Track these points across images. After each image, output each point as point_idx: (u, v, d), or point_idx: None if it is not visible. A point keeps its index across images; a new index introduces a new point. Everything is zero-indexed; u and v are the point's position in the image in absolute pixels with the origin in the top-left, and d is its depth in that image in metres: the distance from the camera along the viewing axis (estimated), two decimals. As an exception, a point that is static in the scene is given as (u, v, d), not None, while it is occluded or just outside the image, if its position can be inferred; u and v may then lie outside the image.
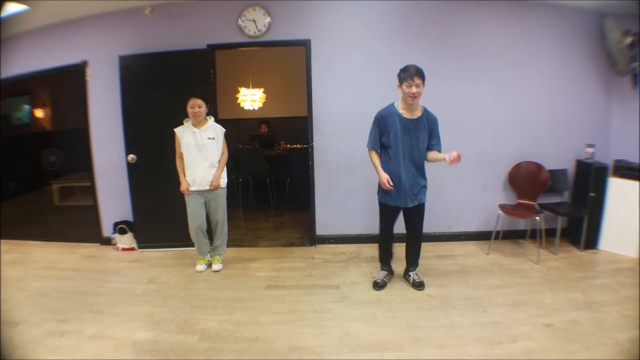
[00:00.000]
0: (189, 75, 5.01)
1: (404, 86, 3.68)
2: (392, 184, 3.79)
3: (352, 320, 3.53)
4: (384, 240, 4.19)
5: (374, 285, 4.09)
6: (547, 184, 4.99)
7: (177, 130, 4.44)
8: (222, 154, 4.53)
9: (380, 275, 4.16)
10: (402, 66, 3.71)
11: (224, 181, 4.57)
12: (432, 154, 3.87)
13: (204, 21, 5.05)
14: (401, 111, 3.80)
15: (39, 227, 6.51)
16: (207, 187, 4.45)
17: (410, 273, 4.17)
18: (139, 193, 5.24)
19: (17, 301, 3.99)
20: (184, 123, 4.45)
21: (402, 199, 3.87)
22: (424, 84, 3.69)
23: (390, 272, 4.26)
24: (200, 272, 4.63)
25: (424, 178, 3.97)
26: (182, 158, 4.47)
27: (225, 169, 4.59)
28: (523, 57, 5.07)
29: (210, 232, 4.73)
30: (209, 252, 4.76)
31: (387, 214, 4.05)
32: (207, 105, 4.42)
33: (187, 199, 4.50)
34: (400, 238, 4.18)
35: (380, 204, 4.04)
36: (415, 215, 4.01)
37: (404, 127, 3.76)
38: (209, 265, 4.72)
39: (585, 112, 5.17)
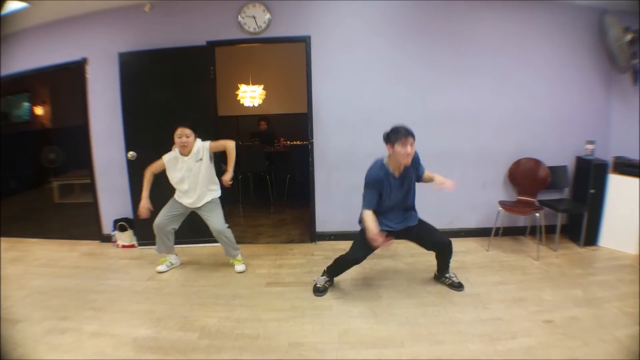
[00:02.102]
0: (189, 72, 5.01)
1: (397, 146, 3.52)
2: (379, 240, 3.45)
3: (352, 316, 3.53)
4: (351, 263, 3.93)
5: (315, 291, 3.98)
6: (547, 181, 4.99)
7: (165, 158, 4.30)
8: (228, 155, 4.31)
9: (321, 280, 4.04)
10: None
11: (215, 193, 4.43)
12: (425, 176, 3.83)
13: (204, 18, 5.04)
14: (392, 171, 3.68)
15: (39, 224, 6.52)
16: (196, 205, 4.34)
17: (450, 273, 4.10)
18: (139, 190, 5.19)
19: (17, 299, 3.99)
20: (173, 150, 4.30)
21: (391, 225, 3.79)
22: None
23: (332, 281, 4.12)
24: (160, 272, 4.54)
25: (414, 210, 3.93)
26: (153, 173, 4.35)
27: (218, 184, 4.45)
28: (523, 53, 5.06)
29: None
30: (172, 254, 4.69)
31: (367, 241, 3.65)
32: (195, 133, 4.24)
33: (171, 201, 4.41)
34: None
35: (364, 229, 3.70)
36: (421, 232, 3.91)
37: (395, 187, 3.68)
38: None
39: (586, 109, 5.17)
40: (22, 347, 3.16)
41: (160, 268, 4.58)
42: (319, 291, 3.98)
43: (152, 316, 3.62)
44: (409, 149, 3.53)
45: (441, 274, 4.12)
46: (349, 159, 5.10)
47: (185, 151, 4.23)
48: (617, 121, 5.16)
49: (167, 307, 3.79)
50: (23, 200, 8.26)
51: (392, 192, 3.69)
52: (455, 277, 4.06)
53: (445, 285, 4.05)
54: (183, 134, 4.15)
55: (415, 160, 3.73)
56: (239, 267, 4.54)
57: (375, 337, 3.22)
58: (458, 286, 3.99)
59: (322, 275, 4.10)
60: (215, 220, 4.41)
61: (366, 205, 3.63)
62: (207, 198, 4.37)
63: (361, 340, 3.18)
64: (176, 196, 4.40)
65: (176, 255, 4.74)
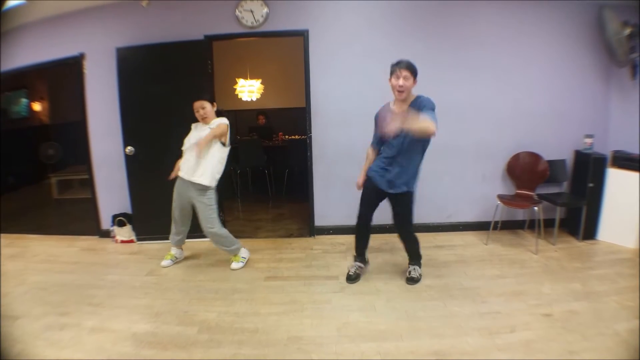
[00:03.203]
0: (187, 67, 4.99)
1: (392, 79, 3.60)
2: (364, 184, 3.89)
3: (351, 310, 3.54)
4: (357, 225, 4.07)
5: (346, 278, 4.07)
6: (545, 175, 4.99)
7: (192, 126, 4.38)
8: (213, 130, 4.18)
9: (352, 267, 4.14)
10: (400, 57, 3.65)
11: (205, 179, 4.21)
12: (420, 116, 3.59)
13: (201, 12, 5.01)
14: (393, 107, 3.73)
15: (38, 220, 6.52)
16: (190, 179, 4.21)
17: (409, 267, 4.10)
18: (138, 185, 5.23)
19: (16, 295, 3.99)
20: None
21: (383, 181, 3.77)
22: (414, 79, 3.56)
23: (364, 262, 4.21)
24: (164, 267, 4.55)
25: (412, 173, 3.75)
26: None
27: (219, 176, 4.33)
28: (522, 47, 5.05)
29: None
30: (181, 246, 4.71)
31: (366, 195, 3.94)
32: (213, 104, 4.27)
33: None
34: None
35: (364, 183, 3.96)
36: (397, 206, 3.87)
37: (389, 118, 3.64)
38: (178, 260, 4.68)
39: (584, 103, 5.16)
40: (22, 343, 3.16)
41: (165, 263, 4.58)
42: (349, 278, 4.06)
43: (151, 311, 3.62)
44: (400, 81, 3.52)
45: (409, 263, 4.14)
46: (348, 153, 5.09)
47: (206, 122, 4.26)
48: (616, 115, 5.15)
49: (166, 302, 3.79)
50: (22, 197, 8.27)
51: (385, 121, 3.62)
52: (414, 271, 4.04)
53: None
54: (199, 107, 4.20)
55: (421, 102, 3.58)
56: (234, 264, 4.50)
57: (375, 331, 3.22)
58: (407, 280, 4.01)
59: (354, 261, 4.19)
60: (201, 219, 4.35)
61: (372, 141, 4.02)
62: (201, 178, 4.19)
63: (360, 334, 3.19)
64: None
65: (181, 250, 4.73)
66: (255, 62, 8.98)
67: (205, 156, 4.20)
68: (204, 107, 4.20)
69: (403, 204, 3.84)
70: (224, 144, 4.28)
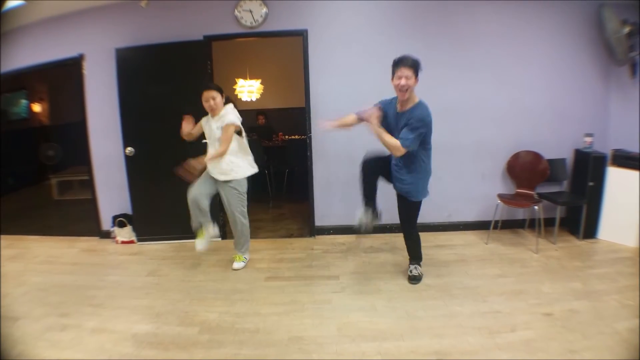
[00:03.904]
0: (186, 67, 4.99)
1: (393, 79, 3.52)
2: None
3: (352, 310, 3.54)
4: (361, 170, 3.82)
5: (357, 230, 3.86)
6: (545, 174, 4.99)
7: (202, 120, 4.32)
8: (221, 144, 4.10)
9: (363, 216, 3.80)
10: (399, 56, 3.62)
11: (239, 172, 4.24)
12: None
13: (201, 12, 5.02)
14: (397, 104, 3.68)
15: (38, 221, 6.51)
16: (217, 178, 4.23)
17: (410, 266, 4.09)
18: (138, 186, 5.24)
19: (17, 296, 3.99)
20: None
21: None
22: (416, 76, 3.49)
23: (375, 213, 3.83)
24: (199, 251, 4.36)
25: (411, 176, 3.72)
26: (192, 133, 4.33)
27: (248, 161, 4.33)
28: (522, 46, 5.04)
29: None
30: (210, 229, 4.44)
31: (375, 154, 3.83)
32: (222, 95, 4.21)
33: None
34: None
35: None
36: (401, 206, 3.89)
37: (394, 119, 3.67)
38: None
39: (584, 102, 5.15)
40: (22, 344, 3.16)
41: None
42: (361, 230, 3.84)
43: (151, 312, 3.63)
44: (402, 81, 3.45)
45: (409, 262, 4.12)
46: (347, 153, 5.08)
47: (214, 113, 4.19)
48: (616, 114, 5.14)
49: (166, 302, 3.80)
50: (22, 198, 8.27)
51: (387, 121, 3.68)
52: (415, 269, 4.03)
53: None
54: (209, 96, 4.10)
55: (410, 116, 3.51)
56: (236, 264, 4.48)
57: (375, 331, 3.23)
58: (410, 279, 4.00)
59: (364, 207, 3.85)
60: (230, 206, 4.29)
61: None
62: (227, 175, 4.20)
63: (361, 334, 3.19)
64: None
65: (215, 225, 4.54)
66: (255, 62, 8.95)
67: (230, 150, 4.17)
68: (215, 98, 4.11)
69: (407, 207, 3.85)
70: (239, 134, 4.25)
